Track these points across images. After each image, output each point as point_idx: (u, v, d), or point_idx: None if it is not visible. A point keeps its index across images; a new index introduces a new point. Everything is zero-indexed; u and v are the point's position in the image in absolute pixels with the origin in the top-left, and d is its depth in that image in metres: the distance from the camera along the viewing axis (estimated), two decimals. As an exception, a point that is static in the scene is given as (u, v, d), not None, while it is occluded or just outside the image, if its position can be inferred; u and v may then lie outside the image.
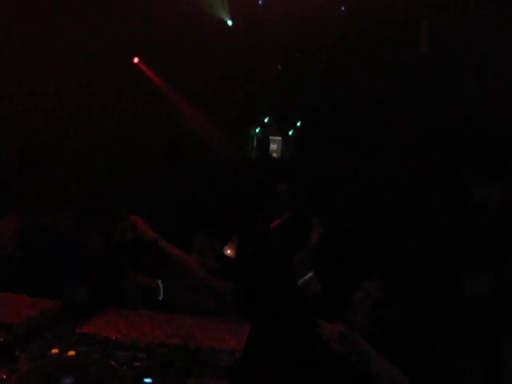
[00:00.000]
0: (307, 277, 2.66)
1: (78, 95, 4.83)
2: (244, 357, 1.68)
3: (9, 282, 2.36)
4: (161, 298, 2.86)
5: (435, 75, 5.38)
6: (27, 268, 3.21)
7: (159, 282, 3.02)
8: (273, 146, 12.21)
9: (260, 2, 5.43)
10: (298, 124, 10.39)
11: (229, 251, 3.33)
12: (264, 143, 11.11)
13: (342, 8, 5.67)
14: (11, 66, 4.70)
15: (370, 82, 5.87)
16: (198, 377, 1.44)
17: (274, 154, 11.70)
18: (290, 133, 11.69)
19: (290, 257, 2.97)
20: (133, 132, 5.11)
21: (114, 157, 4.86)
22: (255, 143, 11.24)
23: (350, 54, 6.12)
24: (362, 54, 5.73)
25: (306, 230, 3.23)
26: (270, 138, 11.78)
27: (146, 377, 1.29)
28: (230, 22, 5.62)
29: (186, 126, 5.82)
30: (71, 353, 1.38)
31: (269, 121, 12.01)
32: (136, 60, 5.66)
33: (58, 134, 4.92)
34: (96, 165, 4.68)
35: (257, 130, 11.75)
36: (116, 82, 5.03)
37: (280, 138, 12.56)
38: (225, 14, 5.46)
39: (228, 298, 2.82)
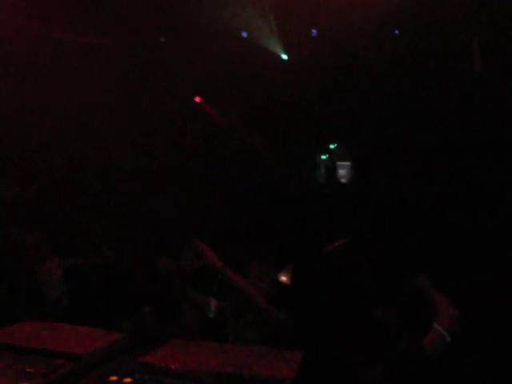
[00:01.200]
0: None
1: (139, 133, 5.14)
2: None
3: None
4: (211, 315, 2.96)
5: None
6: (76, 309, 3.44)
7: (211, 300, 3.13)
8: (341, 172, 12.13)
9: (313, 34, 5.57)
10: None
11: (284, 278, 3.38)
12: (331, 169, 11.10)
13: (396, 32, 5.70)
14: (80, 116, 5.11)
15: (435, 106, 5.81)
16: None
17: (343, 180, 11.62)
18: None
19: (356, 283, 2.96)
20: (194, 165, 5.34)
21: (179, 187, 5.10)
22: (323, 169, 11.24)
23: (415, 78, 6.09)
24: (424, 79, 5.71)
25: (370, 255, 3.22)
26: (339, 163, 11.73)
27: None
28: (284, 56, 5.79)
29: (246, 156, 5.98)
30: (127, 380, 1.50)
31: (337, 146, 11.99)
32: (198, 99, 5.94)
33: (120, 171, 5.23)
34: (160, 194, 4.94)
35: (324, 157, 11.76)
36: (180, 120, 5.31)
37: (349, 163, 12.47)
38: (279, 48, 5.63)
39: (286, 326, 2.86)
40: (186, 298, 3.26)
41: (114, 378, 1.53)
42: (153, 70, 5.31)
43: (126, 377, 1.53)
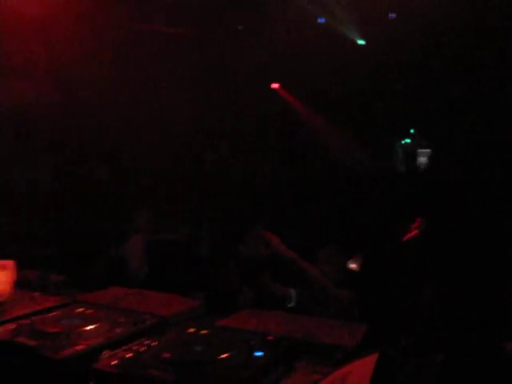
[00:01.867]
0: None
1: (218, 120, 5.35)
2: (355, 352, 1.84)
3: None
4: (291, 305, 3.11)
5: None
6: (153, 281, 3.71)
7: (292, 291, 3.27)
8: (421, 160, 11.84)
9: (391, 17, 5.49)
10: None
11: (353, 265, 3.47)
12: (411, 156, 10.85)
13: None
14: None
15: None
16: (307, 362, 1.65)
17: (422, 167, 11.34)
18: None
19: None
20: (272, 153, 5.48)
21: (247, 176, 5.28)
22: (401, 157, 11.04)
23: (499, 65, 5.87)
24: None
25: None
26: (419, 150, 11.47)
27: (258, 351, 1.55)
28: (361, 42, 5.76)
29: (326, 144, 6.04)
30: (204, 331, 1.71)
31: (417, 133, 11.70)
32: (275, 85, 6.07)
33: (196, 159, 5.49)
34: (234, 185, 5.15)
35: (403, 142, 11.52)
36: (256, 108, 5.47)
37: (429, 150, 12.13)
38: (355, 34, 5.62)
39: (352, 310, 2.96)
40: (266, 288, 3.43)
41: (191, 329, 1.74)
42: (229, 60, 5.49)
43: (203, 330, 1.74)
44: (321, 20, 5.61)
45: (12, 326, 1.82)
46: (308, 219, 4.91)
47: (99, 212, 4.95)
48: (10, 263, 2.29)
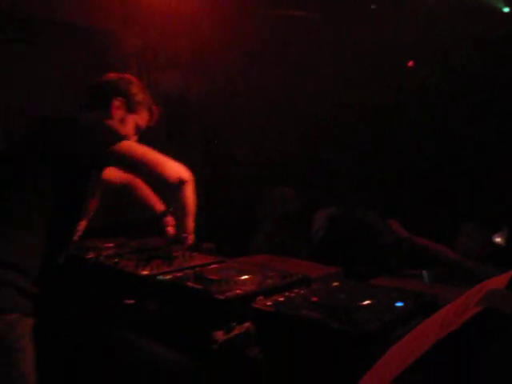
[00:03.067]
0: None
1: (357, 101, 5.40)
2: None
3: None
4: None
5: None
6: (329, 249, 3.91)
7: (424, 271, 3.30)
8: None
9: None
10: None
11: (498, 239, 3.37)
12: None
13: None
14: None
15: None
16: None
17: None
18: None
19: None
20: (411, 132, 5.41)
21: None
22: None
23: None
24: None
25: None
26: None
27: (399, 302, 1.67)
28: (506, 9, 5.39)
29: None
30: (347, 285, 1.87)
31: None
32: (411, 63, 5.95)
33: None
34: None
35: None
36: (393, 87, 5.43)
37: None
38: (499, 0, 5.27)
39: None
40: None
41: (335, 283, 1.91)
42: (364, 40, 5.49)
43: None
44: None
45: (180, 274, 2.13)
46: (450, 194, 4.83)
47: (243, 190, 5.33)
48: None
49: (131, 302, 2.24)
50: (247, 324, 1.83)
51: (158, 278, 2.12)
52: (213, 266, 2.26)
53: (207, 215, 5.17)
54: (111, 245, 2.78)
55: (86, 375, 2.40)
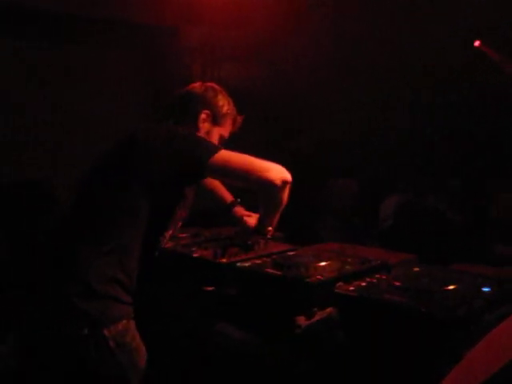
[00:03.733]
0: None
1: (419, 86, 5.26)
2: None
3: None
4: None
5: None
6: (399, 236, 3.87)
7: None
8: None
9: None
10: None
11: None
12: None
13: None
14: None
15: None
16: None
17: None
18: None
19: None
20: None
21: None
22: None
23: None
24: None
25: None
26: None
27: (486, 287, 1.64)
28: None
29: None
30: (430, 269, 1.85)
31: None
32: (477, 43, 5.72)
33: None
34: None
35: None
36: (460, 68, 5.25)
37: None
38: None
39: None
40: None
41: (416, 268, 1.90)
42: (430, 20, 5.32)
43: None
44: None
45: (258, 261, 2.18)
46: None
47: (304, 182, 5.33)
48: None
49: (211, 288, 2.31)
50: (329, 309, 1.85)
51: (237, 265, 2.17)
52: (289, 252, 2.29)
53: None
54: (186, 234, 2.86)
55: (171, 363, 2.51)
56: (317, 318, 1.83)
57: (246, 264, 2.15)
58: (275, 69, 5.73)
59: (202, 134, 2.15)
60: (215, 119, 2.20)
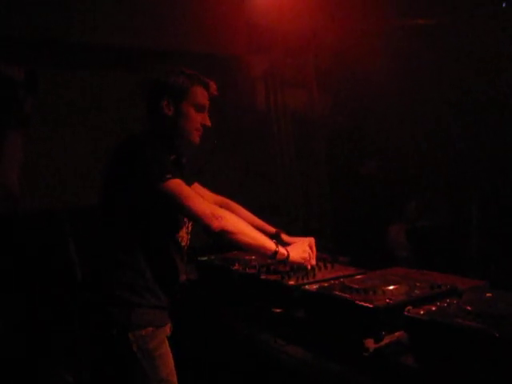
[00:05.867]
0: None
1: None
2: None
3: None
4: None
5: None
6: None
7: None
8: None
9: None
10: None
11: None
12: None
13: None
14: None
15: None
16: None
17: None
18: None
19: None
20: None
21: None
22: None
23: None
24: None
25: None
26: None
27: None
28: None
29: None
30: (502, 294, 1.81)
31: None
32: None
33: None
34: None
35: None
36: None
37: None
38: None
39: None
40: None
41: (489, 294, 1.86)
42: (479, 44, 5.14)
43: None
44: None
45: (326, 284, 2.20)
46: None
47: (370, 202, 5.31)
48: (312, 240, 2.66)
49: (279, 310, 2.36)
50: (398, 333, 1.85)
51: (305, 287, 2.21)
52: (357, 276, 2.31)
53: (337, 230, 5.21)
54: (254, 257, 2.94)
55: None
56: (385, 341, 1.84)
57: (314, 286, 2.18)
58: (339, 94, 5.77)
59: (173, 120, 2.19)
60: (177, 99, 2.18)
